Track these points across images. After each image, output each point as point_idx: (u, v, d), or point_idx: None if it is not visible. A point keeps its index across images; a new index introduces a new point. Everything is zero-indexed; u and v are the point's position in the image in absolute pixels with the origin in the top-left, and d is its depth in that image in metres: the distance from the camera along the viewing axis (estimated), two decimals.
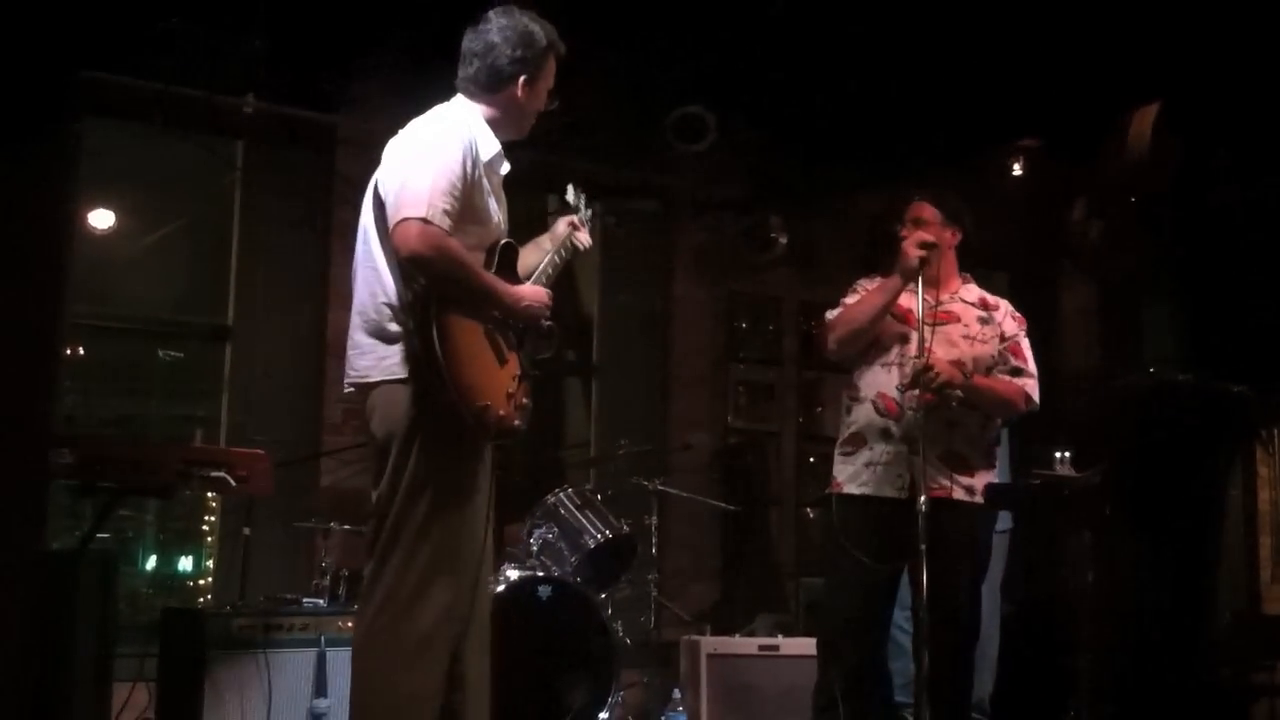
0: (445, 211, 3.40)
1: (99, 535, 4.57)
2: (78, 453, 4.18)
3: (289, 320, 6.76)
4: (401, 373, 3.48)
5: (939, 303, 4.39)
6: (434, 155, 3.48)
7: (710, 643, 5.98)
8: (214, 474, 4.42)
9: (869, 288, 4.55)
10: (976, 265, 4.73)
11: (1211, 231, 7.58)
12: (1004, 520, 5.35)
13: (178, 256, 6.85)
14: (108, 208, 6.55)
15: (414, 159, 3.50)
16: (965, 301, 4.56)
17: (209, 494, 6.31)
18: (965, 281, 4.63)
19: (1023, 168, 7.52)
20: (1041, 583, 6.32)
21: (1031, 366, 4.52)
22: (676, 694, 5.83)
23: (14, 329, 5.48)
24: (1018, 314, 4.61)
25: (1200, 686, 4.28)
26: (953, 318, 4.48)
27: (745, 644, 6.07)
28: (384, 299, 3.52)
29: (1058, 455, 4.45)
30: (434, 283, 3.42)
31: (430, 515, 3.47)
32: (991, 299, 4.62)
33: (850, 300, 4.58)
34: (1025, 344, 4.55)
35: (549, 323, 3.74)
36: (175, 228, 6.81)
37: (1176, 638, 4.28)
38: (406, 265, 3.42)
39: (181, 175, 6.62)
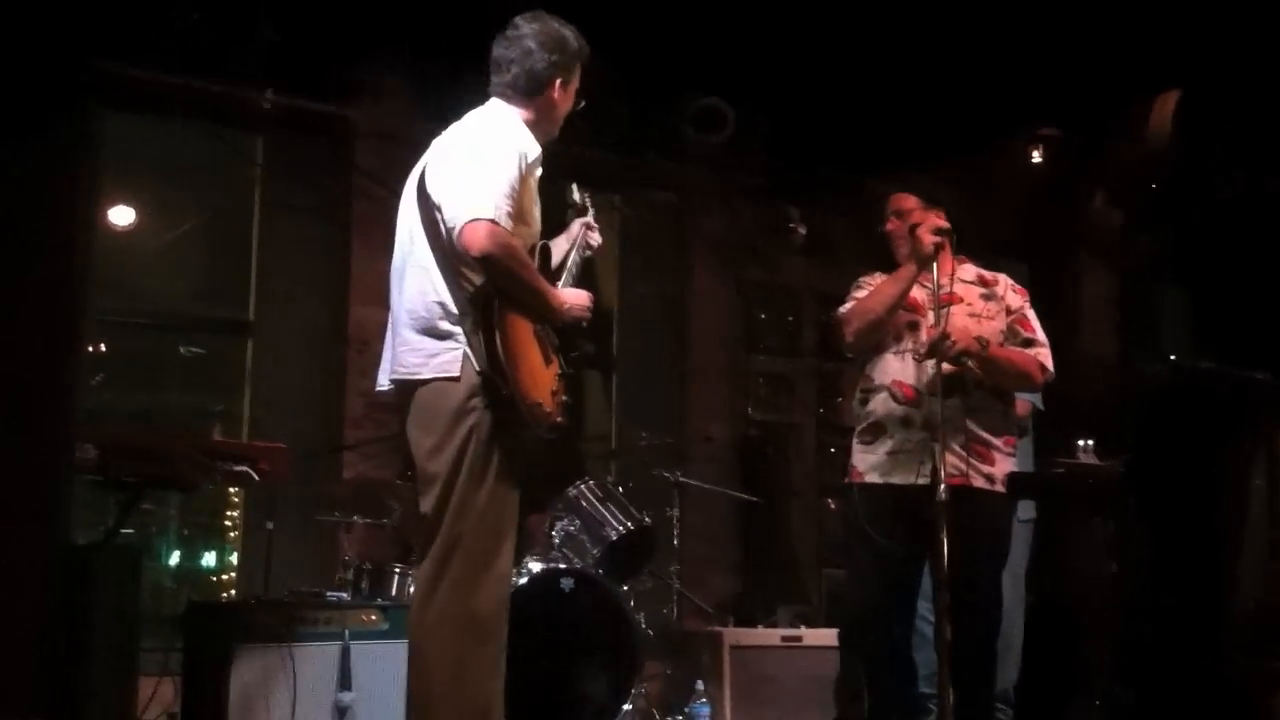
0: (508, 213, 3.50)
1: (123, 529, 4.58)
2: (101, 447, 4.20)
3: (310, 314, 6.77)
4: (455, 370, 3.58)
5: (940, 286, 4.37)
6: (493, 158, 3.56)
7: (732, 634, 5.99)
8: (237, 468, 4.44)
9: (873, 283, 4.54)
10: (997, 255, 4.70)
11: (1230, 219, 7.55)
12: (1027, 509, 5.33)
13: (198, 251, 6.85)
14: (128, 202, 6.56)
15: (474, 161, 3.57)
16: (965, 281, 4.52)
17: (232, 488, 6.34)
18: (961, 262, 4.58)
19: (1042, 156, 7.49)
20: (1064, 572, 6.30)
21: (1042, 336, 4.50)
22: (699, 685, 5.83)
23: (36, 324, 5.51)
24: (1019, 286, 4.59)
25: (1223, 676, 4.26)
26: (955, 299, 4.44)
27: (767, 635, 6.08)
28: (435, 298, 3.61)
29: (1080, 443, 4.43)
30: (499, 281, 3.52)
31: (489, 502, 3.60)
32: (989, 274, 4.58)
33: (860, 294, 4.56)
34: (1031, 315, 4.53)
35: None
36: (196, 222, 6.82)
37: (1198, 627, 4.25)
38: (477, 264, 3.50)
39: (202, 169, 6.62)
